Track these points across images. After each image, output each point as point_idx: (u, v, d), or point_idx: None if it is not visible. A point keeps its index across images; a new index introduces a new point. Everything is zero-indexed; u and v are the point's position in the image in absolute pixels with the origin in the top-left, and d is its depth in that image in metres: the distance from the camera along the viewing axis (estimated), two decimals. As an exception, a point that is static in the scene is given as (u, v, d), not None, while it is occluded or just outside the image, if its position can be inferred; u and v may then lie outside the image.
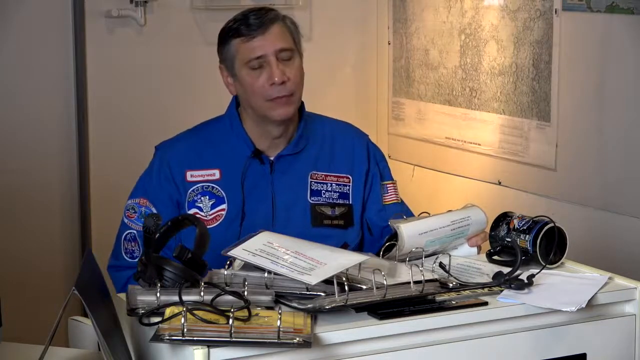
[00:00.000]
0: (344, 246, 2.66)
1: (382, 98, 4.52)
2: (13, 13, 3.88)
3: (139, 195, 2.72)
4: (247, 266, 2.27)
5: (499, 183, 3.92)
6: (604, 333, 2.29)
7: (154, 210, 2.67)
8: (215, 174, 2.70)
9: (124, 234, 2.72)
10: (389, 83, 4.46)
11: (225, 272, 2.22)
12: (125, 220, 2.72)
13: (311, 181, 2.74)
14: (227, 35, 2.69)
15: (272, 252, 2.25)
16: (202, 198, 2.68)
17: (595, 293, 2.27)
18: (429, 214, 2.57)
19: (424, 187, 4.29)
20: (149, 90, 4.08)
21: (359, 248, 2.76)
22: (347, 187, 2.76)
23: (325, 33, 4.40)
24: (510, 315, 2.20)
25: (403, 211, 2.80)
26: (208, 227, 2.44)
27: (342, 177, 2.77)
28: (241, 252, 2.28)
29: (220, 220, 2.68)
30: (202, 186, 2.69)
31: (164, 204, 2.68)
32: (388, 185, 2.84)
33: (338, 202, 2.75)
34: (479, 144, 4.00)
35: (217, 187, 2.69)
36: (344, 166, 2.78)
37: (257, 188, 2.70)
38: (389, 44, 4.44)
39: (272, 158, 2.73)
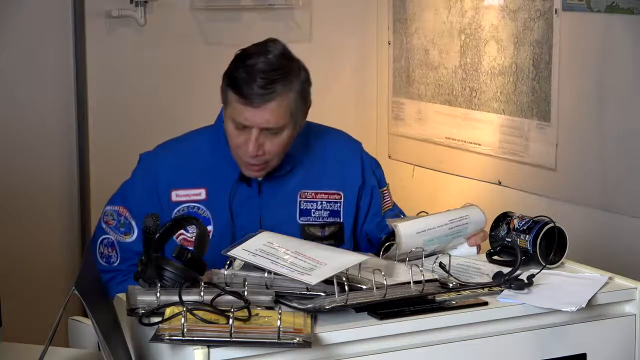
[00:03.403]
0: None
1: (382, 98, 4.52)
2: (13, 13, 3.88)
3: (120, 203, 2.66)
4: (247, 266, 2.27)
5: (499, 183, 3.92)
6: (604, 333, 2.29)
7: (134, 225, 2.62)
8: (202, 193, 2.63)
9: (100, 239, 2.66)
10: (389, 83, 4.46)
11: (225, 272, 2.22)
12: (103, 226, 2.66)
13: (300, 200, 2.67)
14: (230, 79, 2.56)
15: (272, 252, 2.25)
16: None
17: (595, 293, 2.27)
18: (427, 213, 2.57)
19: (424, 187, 4.29)
20: (149, 90, 4.08)
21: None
22: (338, 205, 2.70)
23: (325, 33, 4.40)
24: (510, 315, 2.20)
25: (396, 212, 2.79)
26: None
27: (333, 194, 2.70)
28: (241, 252, 2.28)
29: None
30: (188, 206, 2.63)
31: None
32: (384, 192, 2.80)
33: (328, 220, 2.69)
34: (479, 144, 4.00)
35: (202, 207, 2.63)
36: (335, 182, 2.70)
37: (244, 210, 2.64)
38: (389, 44, 4.44)
39: (259, 179, 2.66)
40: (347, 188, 2.72)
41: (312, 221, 2.68)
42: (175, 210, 2.61)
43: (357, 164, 2.75)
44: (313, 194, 2.69)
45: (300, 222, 2.67)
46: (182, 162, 2.66)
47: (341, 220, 2.71)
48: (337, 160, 2.73)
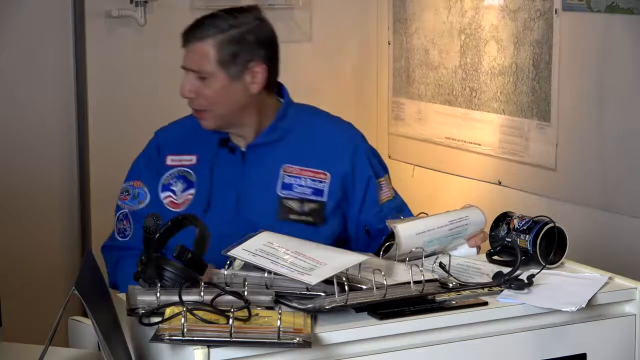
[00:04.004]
0: None
1: (382, 98, 4.52)
2: (13, 13, 3.88)
3: (133, 179, 2.77)
4: (247, 266, 2.27)
5: (499, 183, 3.92)
6: (604, 333, 2.29)
7: (146, 191, 2.72)
8: (193, 159, 2.73)
9: (118, 214, 2.75)
10: (389, 83, 4.46)
11: (225, 272, 2.22)
12: (119, 203, 2.76)
13: (284, 174, 2.70)
14: None
15: (272, 252, 2.25)
16: (177, 182, 2.71)
17: (595, 293, 2.27)
18: (427, 214, 2.57)
19: (424, 187, 4.29)
20: (149, 90, 4.08)
21: (355, 249, 2.74)
22: (323, 184, 2.71)
23: (325, 33, 4.40)
24: (510, 315, 2.20)
25: (397, 204, 2.79)
26: (177, 210, 2.64)
27: (319, 173, 2.71)
28: (241, 252, 2.28)
29: (187, 204, 2.69)
30: (178, 170, 2.72)
31: (155, 183, 2.72)
32: (382, 182, 2.79)
33: (310, 198, 2.70)
34: (479, 144, 4.00)
35: (190, 171, 2.71)
36: (323, 162, 2.72)
37: (226, 177, 2.69)
38: (389, 44, 4.44)
39: (243, 148, 2.72)
40: (334, 171, 2.72)
41: (293, 196, 2.70)
42: (167, 174, 2.72)
43: (348, 151, 2.76)
44: (298, 169, 2.71)
45: (281, 195, 2.69)
46: (184, 132, 2.78)
47: (324, 200, 2.71)
48: (329, 142, 2.75)
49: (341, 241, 2.75)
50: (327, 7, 4.38)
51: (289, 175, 2.70)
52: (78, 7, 3.92)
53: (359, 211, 2.75)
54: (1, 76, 3.88)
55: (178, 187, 2.70)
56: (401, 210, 2.78)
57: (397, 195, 2.83)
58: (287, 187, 2.69)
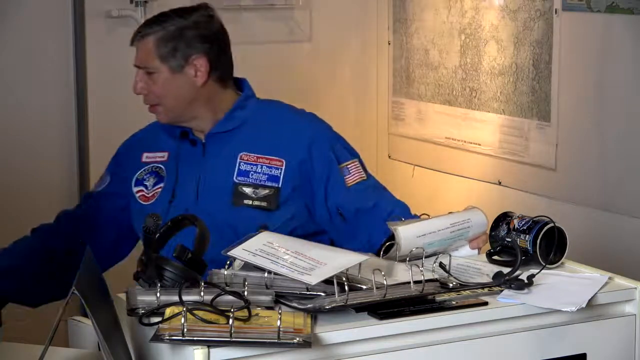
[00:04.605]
0: (263, 227, 2.54)
1: (382, 98, 4.52)
2: (13, 13, 3.88)
3: (105, 171, 2.94)
4: (247, 266, 2.27)
5: (499, 183, 3.92)
6: (604, 333, 2.29)
7: (107, 177, 2.89)
8: (165, 156, 2.85)
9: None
10: (389, 83, 4.46)
11: (225, 272, 2.22)
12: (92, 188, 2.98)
13: (240, 162, 2.77)
14: None
15: (272, 252, 2.25)
16: (149, 177, 2.83)
17: (595, 293, 2.27)
18: (428, 215, 2.57)
19: (424, 187, 4.29)
20: (149, 90, 4.07)
21: (336, 237, 2.78)
22: (279, 170, 2.76)
23: (325, 33, 4.40)
24: (510, 315, 2.20)
25: (371, 188, 2.81)
26: (146, 203, 2.78)
27: (275, 159, 2.77)
28: (241, 252, 2.28)
29: (156, 197, 2.80)
30: (152, 167, 2.84)
31: (115, 175, 2.88)
32: (349, 166, 2.82)
33: (265, 184, 2.75)
34: (479, 144, 4.00)
35: (162, 167, 2.83)
36: (279, 150, 2.78)
37: (188, 169, 2.80)
38: (389, 44, 4.44)
39: (203, 139, 2.82)
40: (290, 158, 2.78)
41: (248, 182, 2.76)
42: (141, 170, 2.84)
43: (306, 139, 2.80)
44: (255, 157, 2.78)
45: (236, 181, 2.76)
46: (155, 130, 2.90)
47: (278, 186, 2.76)
48: (287, 131, 2.82)
49: (319, 232, 2.79)
50: (327, 7, 4.38)
51: (245, 163, 2.78)
52: (78, 7, 3.93)
53: (325, 196, 2.79)
54: (1, 76, 3.88)
55: (150, 182, 2.82)
56: (376, 188, 2.81)
57: (371, 177, 2.86)
58: (243, 174, 2.77)
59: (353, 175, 2.82)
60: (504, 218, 2.54)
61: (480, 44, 3.94)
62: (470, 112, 4.02)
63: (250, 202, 2.75)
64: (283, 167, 2.77)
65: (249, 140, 2.79)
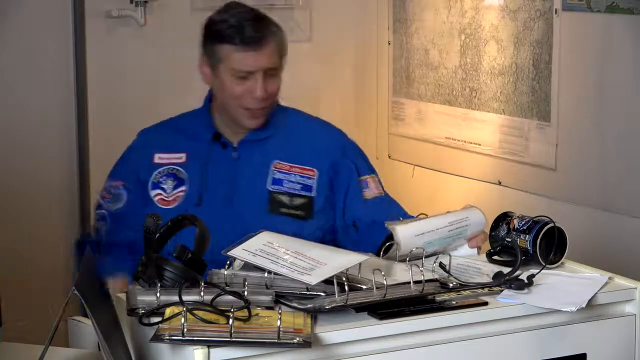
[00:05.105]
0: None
1: (382, 98, 4.52)
2: (13, 13, 3.88)
3: (113, 178, 2.83)
4: (247, 266, 2.27)
5: (499, 183, 3.92)
6: (604, 333, 2.29)
7: (124, 192, 2.76)
8: (182, 157, 2.79)
9: (98, 213, 2.78)
10: (389, 83, 4.46)
11: (225, 272, 2.22)
12: (100, 201, 2.79)
13: (274, 170, 2.77)
14: (218, 36, 2.73)
15: (272, 252, 2.25)
16: (166, 180, 2.77)
17: (595, 293, 2.27)
18: (426, 215, 2.57)
19: (423, 187, 4.29)
20: (149, 90, 4.08)
21: (345, 246, 2.75)
22: (312, 180, 2.78)
23: (325, 33, 4.40)
24: (510, 315, 2.20)
25: (386, 203, 2.83)
26: (167, 207, 2.70)
27: (307, 169, 2.78)
28: (241, 252, 2.28)
29: (179, 201, 2.74)
30: (168, 168, 2.78)
31: (133, 185, 2.77)
32: (367, 180, 2.85)
33: (300, 193, 2.76)
34: (479, 144, 4.00)
35: (181, 169, 2.77)
36: (311, 159, 2.79)
37: (219, 173, 2.76)
38: (389, 44, 4.44)
39: (235, 144, 2.78)
40: (322, 168, 2.79)
41: (283, 190, 2.76)
42: (155, 172, 2.77)
43: (334, 149, 2.83)
44: (288, 166, 2.78)
45: (270, 189, 2.75)
46: (168, 132, 2.84)
47: (312, 195, 2.77)
48: (316, 140, 2.83)
49: (330, 240, 2.79)
50: (327, 7, 4.38)
51: (279, 172, 2.77)
52: (78, 7, 3.92)
53: (343, 207, 2.81)
54: (1, 76, 3.88)
55: (168, 184, 2.76)
56: (390, 204, 2.82)
57: (387, 195, 2.88)
58: (277, 182, 2.76)
59: (371, 190, 2.85)
60: (504, 218, 2.54)
61: (480, 44, 3.94)
62: (470, 112, 4.02)
63: (286, 210, 2.75)
64: (316, 177, 2.78)
65: (281, 149, 2.79)
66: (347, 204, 2.81)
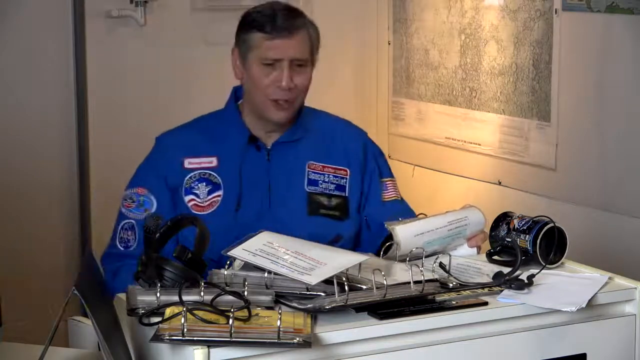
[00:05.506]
0: (337, 238, 2.68)
1: (382, 98, 4.52)
2: (13, 13, 3.87)
3: (138, 185, 2.74)
4: (247, 266, 2.27)
5: (499, 183, 3.92)
6: (604, 333, 2.29)
7: (153, 199, 2.69)
8: (213, 161, 2.73)
9: (122, 224, 2.72)
10: (389, 83, 4.46)
11: (225, 272, 2.22)
12: (123, 210, 2.72)
13: (309, 170, 2.76)
14: (250, 24, 2.72)
15: (272, 252, 2.25)
16: (199, 185, 2.71)
17: (595, 293, 2.27)
18: (426, 215, 2.57)
19: (424, 187, 4.29)
20: (149, 90, 4.08)
21: (356, 243, 2.77)
22: (344, 180, 2.78)
23: (325, 33, 4.38)
24: (510, 315, 2.20)
25: (403, 209, 2.82)
26: (203, 213, 2.64)
27: (340, 169, 2.78)
28: (241, 252, 2.28)
29: (216, 206, 2.70)
30: (200, 173, 2.72)
31: (162, 192, 2.70)
32: (387, 183, 2.86)
33: (334, 193, 2.76)
34: (479, 144, 4.00)
35: (214, 174, 2.72)
36: (341, 159, 2.79)
37: (254, 175, 2.73)
38: (389, 44, 4.44)
39: (268, 146, 2.76)
40: (352, 166, 2.80)
41: (320, 191, 2.75)
42: (187, 177, 2.70)
43: (360, 146, 2.84)
44: (321, 166, 2.77)
45: (308, 190, 2.74)
46: (194, 136, 2.77)
47: (346, 195, 2.77)
48: (343, 139, 2.83)
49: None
50: (327, 7, 4.38)
51: (313, 172, 2.76)
52: (78, 7, 3.92)
53: (361, 205, 2.80)
54: (1, 76, 3.88)
55: (201, 190, 2.71)
56: (404, 209, 2.81)
57: (404, 201, 2.89)
58: (313, 183, 2.76)
59: (389, 192, 2.85)
60: (504, 218, 2.54)
61: (480, 44, 3.94)
62: (470, 112, 4.02)
63: (325, 211, 2.74)
64: (348, 177, 2.79)
65: (312, 149, 2.78)
66: (365, 202, 2.81)
